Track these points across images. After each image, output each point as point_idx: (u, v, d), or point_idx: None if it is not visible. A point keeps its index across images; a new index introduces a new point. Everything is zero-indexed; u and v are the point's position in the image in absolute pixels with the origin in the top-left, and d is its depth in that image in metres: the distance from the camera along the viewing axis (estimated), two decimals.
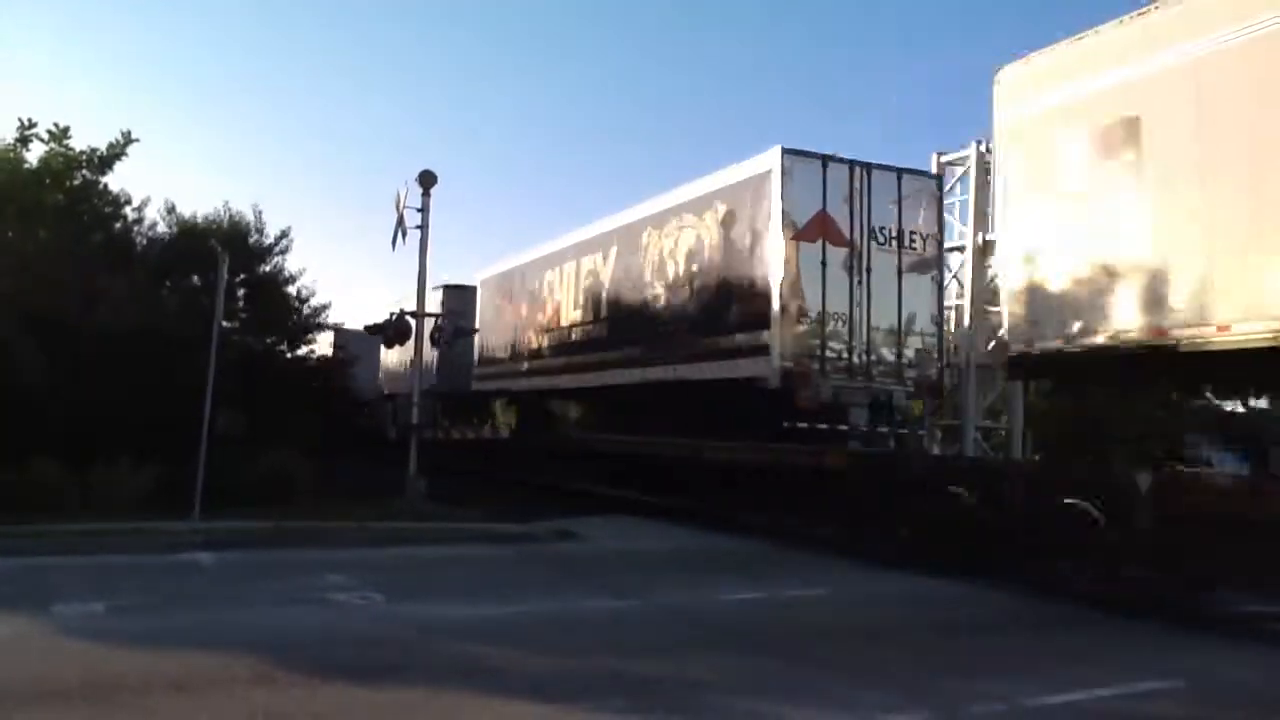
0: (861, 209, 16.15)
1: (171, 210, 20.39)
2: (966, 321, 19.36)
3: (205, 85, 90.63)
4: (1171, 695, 7.17)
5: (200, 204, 21.00)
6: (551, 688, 6.71)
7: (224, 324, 14.85)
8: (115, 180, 18.53)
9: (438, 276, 28.12)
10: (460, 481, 21.48)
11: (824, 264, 15.79)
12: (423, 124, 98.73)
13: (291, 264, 22.04)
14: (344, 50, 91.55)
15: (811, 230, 15.77)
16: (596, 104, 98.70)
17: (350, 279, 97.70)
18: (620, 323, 20.40)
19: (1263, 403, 14.22)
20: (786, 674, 7.41)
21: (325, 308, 23.73)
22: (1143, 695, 7.10)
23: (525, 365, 25.32)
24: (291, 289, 21.90)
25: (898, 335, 16.32)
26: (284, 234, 21.53)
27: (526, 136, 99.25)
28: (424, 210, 19.54)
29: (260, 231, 21.31)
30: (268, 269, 21.24)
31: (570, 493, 20.49)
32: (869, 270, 16.10)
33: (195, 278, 19.58)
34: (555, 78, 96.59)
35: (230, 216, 21.06)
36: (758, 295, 15.96)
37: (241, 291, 20.13)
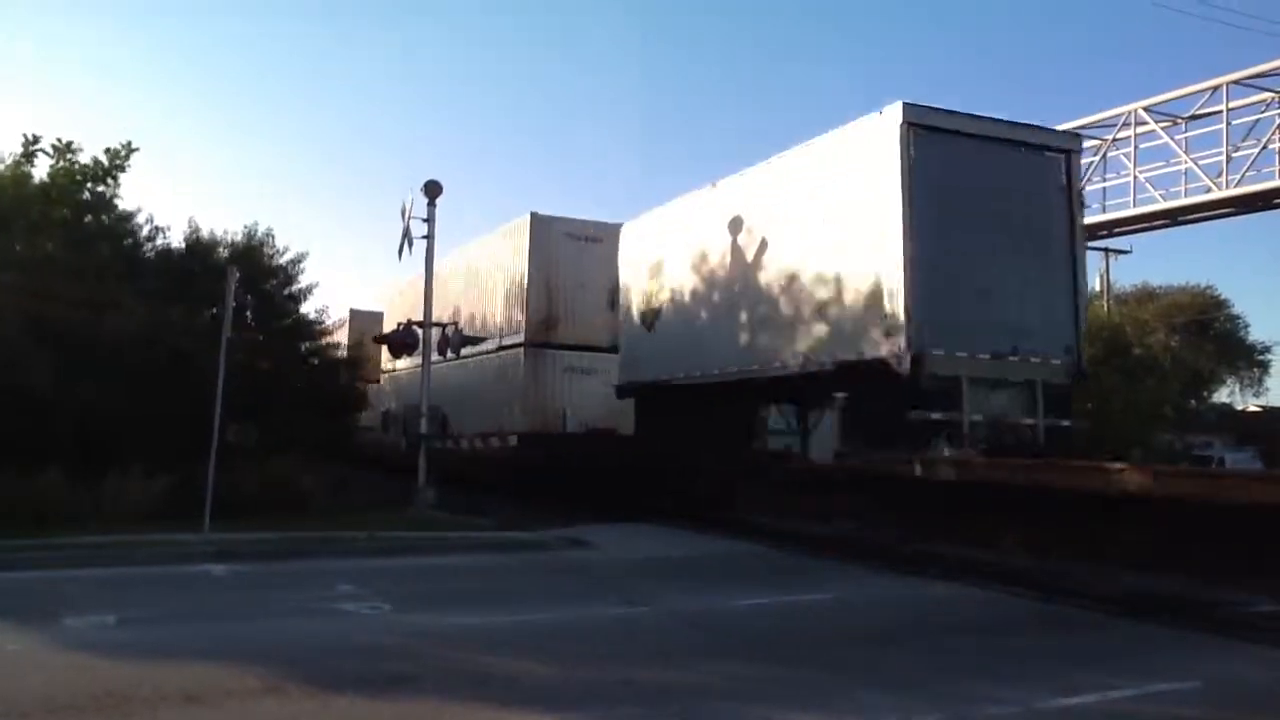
0: None
1: (191, 228, 20.44)
2: None
3: (214, 95, 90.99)
4: (1187, 697, 7.11)
5: (211, 215, 20.64)
6: (563, 696, 6.70)
7: (233, 336, 14.80)
8: (123, 193, 18.65)
9: None
10: (472, 491, 21.48)
11: None
12: (437, 125, 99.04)
13: (304, 280, 22.00)
14: (361, 53, 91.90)
15: None
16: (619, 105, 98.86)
17: (367, 279, 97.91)
18: None
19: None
20: (798, 679, 7.39)
21: (338, 326, 23.95)
22: (1157, 697, 7.05)
23: None
24: (300, 304, 21.93)
25: None
26: (300, 258, 21.54)
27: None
28: (430, 220, 19.64)
29: (272, 247, 21.30)
30: (278, 284, 21.23)
31: (581, 501, 20.41)
32: None
33: (205, 290, 19.63)
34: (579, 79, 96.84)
35: (244, 231, 21.10)
36: None
37: (250, 300, 20.13)
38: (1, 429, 14.50)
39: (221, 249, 20.45)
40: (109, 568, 11.73)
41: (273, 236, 21.38)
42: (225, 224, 20.41)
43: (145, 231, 19.73)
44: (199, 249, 20.21)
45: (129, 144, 18.01)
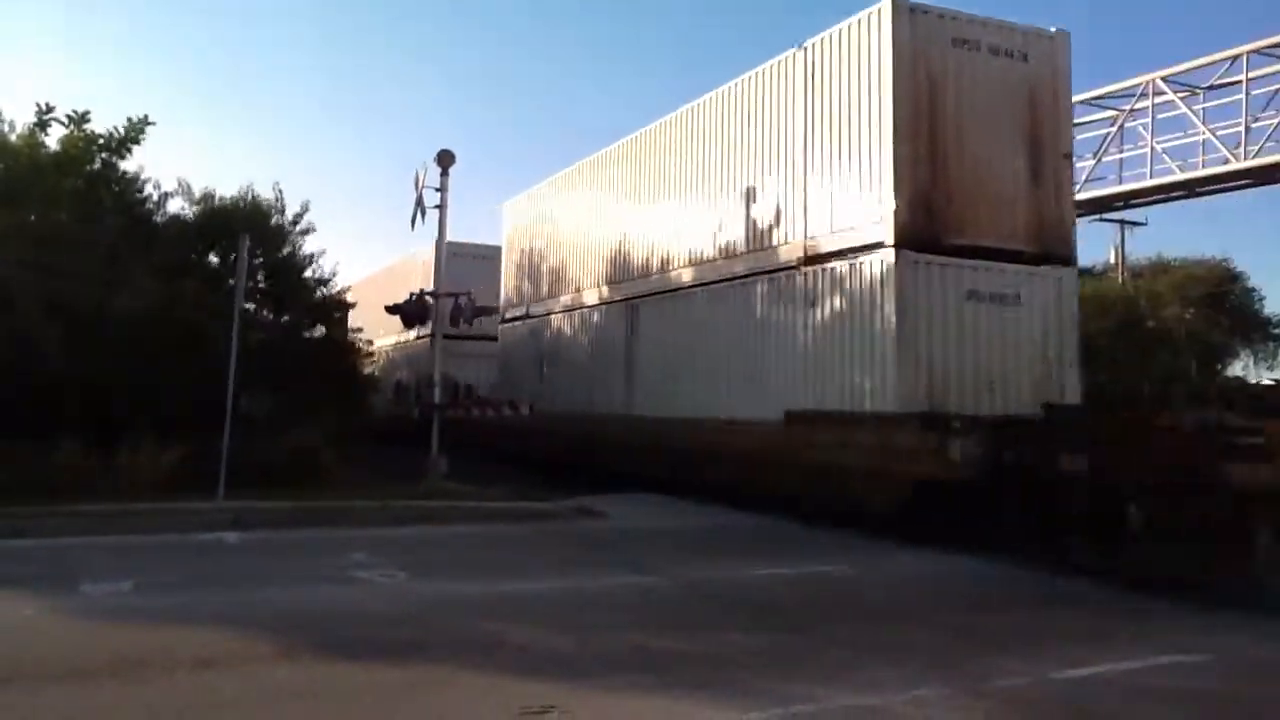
0: None
1: (188, 192, 20.35)
2: None
3: (222, 68, 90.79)
4: (1198, 668, 7.12)
5: (220, 185, 20.45)
6: (576, 664, 6.74)
7: (245, 305, 14.81)
8: (134, 164, 18.62)
9: None
10: (483, 461, 21.53)
11: None
12: (451, 95, 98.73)
13: (312, 243, 21.93)
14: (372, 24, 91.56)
15: None
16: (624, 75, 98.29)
17: (377, 252, 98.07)
18: None
19: None
20: (811, 650, 7.40)
21: (345, 289, 23.97)
22: (1168, 669, 7.06)
23: None
24: (310, 270, 21.88)
25: None
26: (303, 211, 21.44)
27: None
28: (442, 190, 19.57)
29: (281, 211, 21.19)
30: (288, 249, 21.18)
31: (594, 471, 20.41)
32: None
33: (215, 259, 19.63)
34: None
35: (251, 197, 21.01)
36: None
37: (261, 273, 20.12)
38: (14, 401, 14.57)
39: (230, 211, 20.32)
40: (124, 535, 11.82)
41: (281, 195, 21.29)
42: (236, 188, 20.59)
43: (154, 199, 19.71)
44: (209, 215, 20.12)
45: (145, 116, 17.99)
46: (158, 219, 19.68)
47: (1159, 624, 8.77)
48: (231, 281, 16.15)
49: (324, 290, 22.31)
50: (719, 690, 6.24)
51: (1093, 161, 23.23)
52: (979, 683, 6.51)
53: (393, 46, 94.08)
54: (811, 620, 8.48)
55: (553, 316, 25.46)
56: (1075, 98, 18.33)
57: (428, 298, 20.15)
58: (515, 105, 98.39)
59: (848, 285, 14.25)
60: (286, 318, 21.15)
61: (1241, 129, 22.49)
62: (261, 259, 19.94)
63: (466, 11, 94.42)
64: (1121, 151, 25.91)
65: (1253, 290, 37.80)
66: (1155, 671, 6.96)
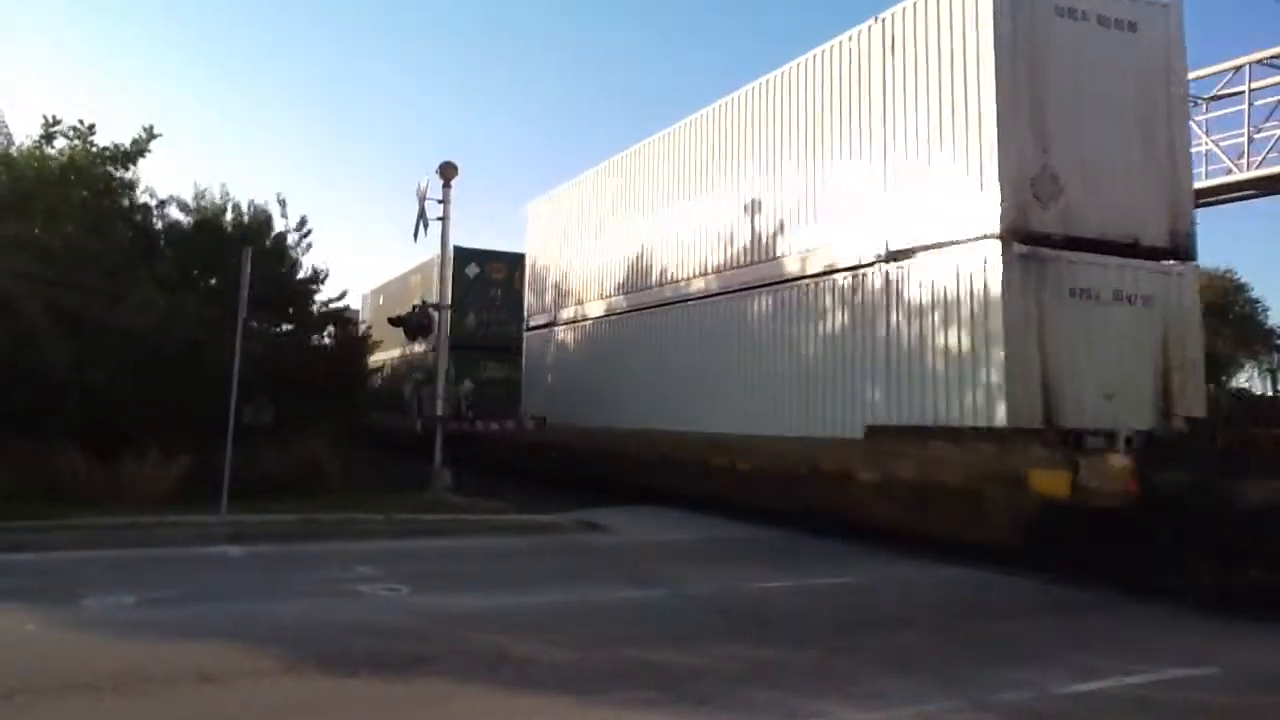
0: None
1: (188, 205, 20.32)
2: None
3: (221, 72, 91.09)
4: (1205, 682, 7.07)
5: (218, 195, 20.07)
6: (579, 678, 6.70)
7: (246, 317, 14.78)
8: (139, 175, 18.62)
9: None
10: (486, 474, 21.49)
11: None
12: (451, 97, 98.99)
13: (313, 254, 21.90)
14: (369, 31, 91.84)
15: None
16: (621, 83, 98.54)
17: (379, 263, 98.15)
18: None
19: None
20: (814, 663, 7.37)
21: (344, 301, 23.89)
22: (1175, 682, 7.02)
23: None
24: (311, 282, 21.79)
25: None
26: (303, 222, 21.38)
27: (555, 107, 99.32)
28: (445, 202, 19.61)
29: (285, 217, 21.16)
30: (287, 260, 21.10)
31: (596, 484, 20.37)
32: None
33: (217, 270, 19.59)
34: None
35: (252, 207, 20.95)
36: None
37: (261, 284, 20.06)
38: (19, 409, 14.58)
39: (232, 223, 20.25)
40: (127, 549, 11.79)
41: (285, 205, 21.16)
42: (236, 199, 20.27)
43: (157, 212, 19.68)
44: (210, 225, 20.05)
45: (151, 128, 18.01)
46: (160, 230, 19.68)
47: (1165, 634, 8.75)
48: (230, 293, 16.15)
49: (317, 293, 22.23)
50: (723, 704, 6.21)
51: None
52: (985, 696, 6.48)
53: (396, 51, 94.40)
54: (816, 633, 8.44)
55: None
56: None
57: (431, 309, 20.15)
58: (523, 108, 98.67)
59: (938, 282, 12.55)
60: (290, 327, 21.11)
61: (1244, 139, 22.47)
62: (263, 270, 19.90)
63: (471, 12, 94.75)
64: None
65: (1256, 302, 37.72)
66: (1162, 685, 6.92)
